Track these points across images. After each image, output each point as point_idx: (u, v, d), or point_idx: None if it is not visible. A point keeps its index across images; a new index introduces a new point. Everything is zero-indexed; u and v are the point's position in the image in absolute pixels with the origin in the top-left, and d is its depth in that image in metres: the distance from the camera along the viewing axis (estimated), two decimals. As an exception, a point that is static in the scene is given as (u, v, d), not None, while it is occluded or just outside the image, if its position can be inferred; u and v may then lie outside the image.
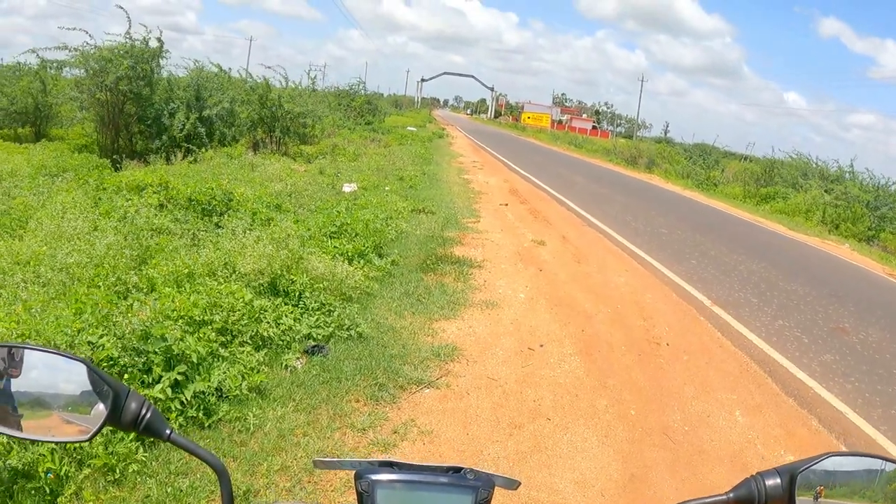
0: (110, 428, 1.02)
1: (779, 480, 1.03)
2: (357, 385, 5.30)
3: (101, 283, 5.68)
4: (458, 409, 5.22)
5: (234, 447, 4.17)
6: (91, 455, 3.69)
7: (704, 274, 10.93)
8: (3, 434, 1.00)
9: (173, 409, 4.28)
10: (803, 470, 1.03)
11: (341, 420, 4.76)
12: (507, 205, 16.15)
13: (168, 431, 1.03)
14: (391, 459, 1.17)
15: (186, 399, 4.33)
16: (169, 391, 4.27)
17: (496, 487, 1.13)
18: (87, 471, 3.64)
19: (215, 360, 4.85)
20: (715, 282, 10.46)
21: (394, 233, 10.30)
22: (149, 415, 1.01)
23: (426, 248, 9.88)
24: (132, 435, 3.92)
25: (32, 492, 3.42)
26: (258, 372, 5.03)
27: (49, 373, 1.00)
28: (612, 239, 13.27)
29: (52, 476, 3.48)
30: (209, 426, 4.36)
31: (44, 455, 3.47)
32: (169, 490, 3.65)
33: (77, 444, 3.68)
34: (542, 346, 6.73)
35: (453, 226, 12.21)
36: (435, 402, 5.28)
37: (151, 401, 4.06)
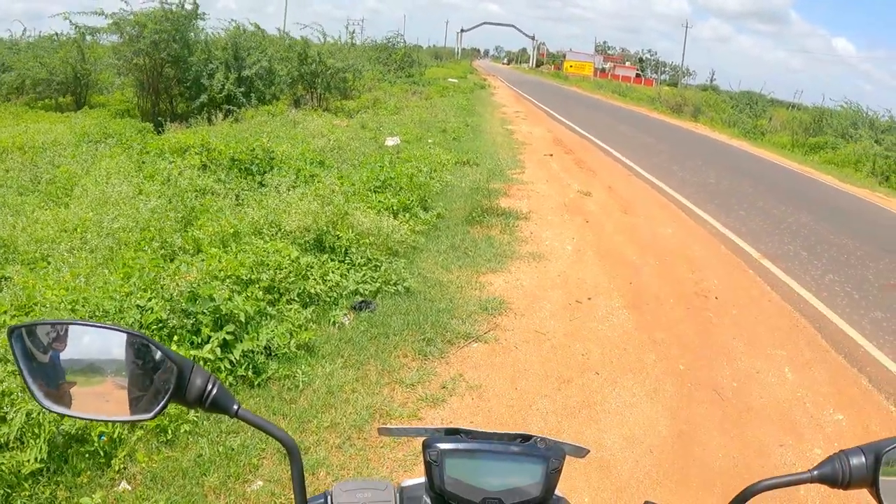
0: (175, 403, 1.00)
1: (864, 459, 0.99)
2: (405, 340, 5.33)
3: (147, 247, 5.71)
4: (507, 363, 5.24)
5: (283, 405, 4.23)
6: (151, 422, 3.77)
7: (753, 226, 10.76)
8: (67, 416, 1.00)
9: (223, 368, 4.34)
10: (889, 450, 0.99)
11: (390, 376, 4.80)
12: (551, 155, 16.00)
13: (235, 407, 1.01)
14: (457, 427, 1.16)
15: (235, 359, 4.39)
16: (218, 351, 4.32)
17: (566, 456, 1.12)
18: (139, 433, 3.72)
19: (263, 318, 4.90)
20: (764, 234, 10.30)
21: (439, 186, 10.27)
22: (215, 390, 1.00)
23: (471, 201, 9.83)
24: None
25: (87, 455, 3.50)
26: (306, 329, 5.08)
27: (110, 348, 0.98)
28: (658, 189, 13.12)
29: (105, 439, 3.55)
30: (258, 385, 4.42)
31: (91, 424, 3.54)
32: (220, 449, 3.72)
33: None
34: (589, 299, 6.71)
35: (498, 177, 12.13)
36: (483, 357, 5.30)
37: (200, 362, 4.14)
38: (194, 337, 4.40)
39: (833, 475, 0.99)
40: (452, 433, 1.13)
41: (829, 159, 24.00)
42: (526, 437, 1.13)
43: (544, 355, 5.43)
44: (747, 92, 41.33)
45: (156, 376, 0.97)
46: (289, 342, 4.79)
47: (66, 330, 0.98)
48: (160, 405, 0.96)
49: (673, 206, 11.78)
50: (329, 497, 0.99)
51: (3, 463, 3.16)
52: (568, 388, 4.95)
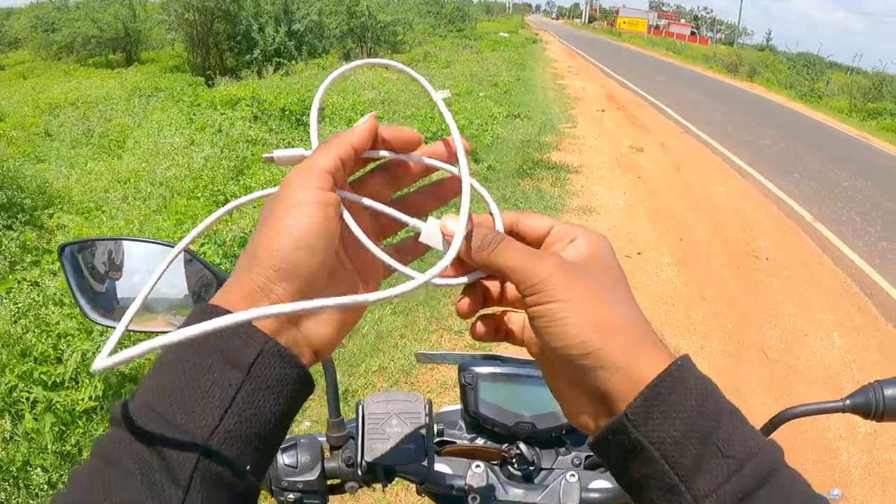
0: None
1: None
2: (454, 289, 5.37)
3: (199, 195, 5.80)
4: (556, 312, 5.27)
5: (333, 349, 4.33)
6: None
7: (807, 188, 10.59)
8: (107, 325, 0.98)
9: None
10: None
11: (438, 323, 4.87)
12: (603, 111, 15.86)
13: None
14: (495, 354, 1.18)
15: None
16: None
17: None
18: None
19: None
20: (818, 197, 10.14)
21: (490, 138, 10.26)
22: None
23: (523, 154, 9.80)
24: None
25: None
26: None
27: (155, 263, 0.90)
28: (711, 148, 12.93)
29: None
30: None
31: (149, 359, 3.62)
32: None
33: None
34: (639, 253, 6.71)
35: (549, 131, 12.06)
36: (532, 306, 5.33)
37: None
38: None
39: (866, 405, 0.95)
40: (490, 359, 1.15)
41: (887, 126, 23.37)
42: None
43: (593, 307, 5.45)
44: (804, 53, 40.38)
45: (198, 289, 0.98)
46: (339, 287, 4.84)
47: (114, 246, 1.01)
48: None
49: (726, 165, 11.62)
50: (361, 406, 1.00)
51: (58, 401, 3.25)
52: (615, 339, 4.98)
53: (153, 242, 1.01)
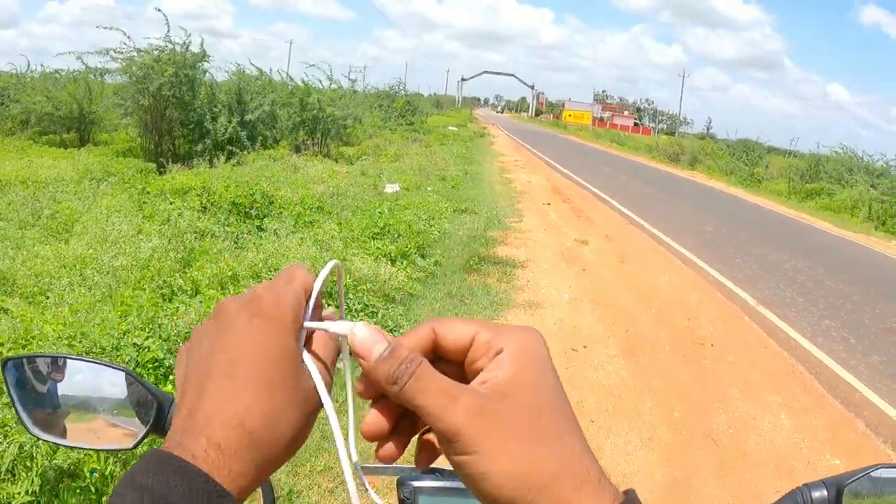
0: (154, 437, 0.98)
1: (825, 493, 0.95)
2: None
3: (146, 286, 5.76)
4: (503, 410, 5.25)
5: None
6: (135, 455, 3.77)
7: (749, 272, 10.81)
8: (48, 441, 0.98)
9: None
10: (851, 482, 0.95)
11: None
12: (549, 204, 16.12)
13: None
14: (435, 466, 1.16)
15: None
16: None
17: None
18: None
19: None
20: (760, 280, 10.35)
21: (437, 233, 10.31)
22: None
23: (469, 249, 9.87)
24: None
25: (78, 491, 3.49)
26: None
27: (93, 379, 0.99)
28: (655, 238, 13.18)
29: (97, 475, 3.54)
30: None
31: (89, 455, 3.54)
32: None
33: (121, 447, 3.79)
34: (585, 347, 6.73)
35: (496, 225, 12.20)
36: (479, 405, 5.30)
37: None
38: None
39: None
40: (430, 472, 1.11)
41: (825, 205, 24.13)
42: None
43: (540, 403, 5.43)
44: (744, 140, 41.60)
45: (138, 410, 0.97)
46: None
47: (58, 363, 1.00)
48: (140, 437, 0.96)
49: (669, 254, 11.83)
50: None
51: None
52: (563, 435, 4.95)
53: (102, 364, 1.00)
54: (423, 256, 8.82)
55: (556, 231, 12.64)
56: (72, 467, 3.50)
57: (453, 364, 0.56)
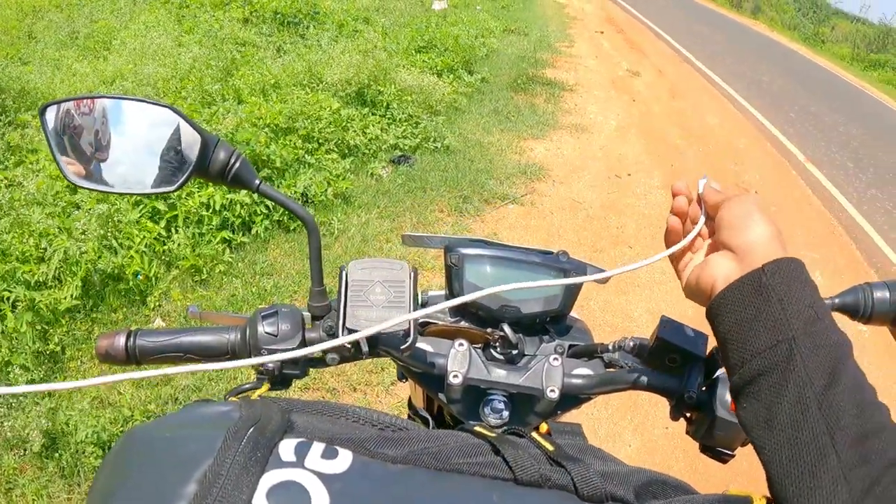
0: (199, 179, 0.96)
1: (888, 294, 0.94)
2: (442, 196, 5.32)
3: (187, 95, 5.71)
4: (541, 227, 5.20)
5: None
6: (179, 257, 3.81)
7: (801, 128, 10.46)
8: (94, 190, 0.95)
9: (258, 212, 4.37)
10: None
11: (424, 228, 4.84)
12: (602, 32, 15.53)
13: (257, 182, 0.96)
14: (483, 238, 1.14)
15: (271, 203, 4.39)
16: (255, 195, 4.31)
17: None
18: (175, 272, 3.78)
19: (301, 166, 4.92)
20: (812, 139, 10.02)
21: (484, 51, 10.04)
22: (237, 164, 0.94)
23: (517, 68, 9.60)
24: (219, 237, 4.03)
25: (122, 293, 3.55)
26: (343, 179, 5.09)
27: (137, 122, 0.94)
28: (709, 79, 12.71)
29: (141, 277, 3.60)
30: (293, 230, 4.46)
31: (133, 257, 3.59)
32: (254, 290, 3.79)
33: (163, 244, 3.84)
34: (629, 175, 6.60)
35: (546, 48, 11.79)
36: (518, 218, 5.27)
37: (236, 206, 4.13)
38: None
39: (855, 305, 0.94)
40: (477, 242, 1.13)
41: (888, 78, 23.13)
42: (549, 253, 1.11)
43: (579, 224, 5.38)
44: (812, -4, 39.72)
45: (182, 149, 0.93)
46: (326, 190, 4.84)
47: (95, 105, 0.93)
48: (184, 177, 0.92)
49: (722, 97, 11.44)
50: (345, 272, 0.95)
51: (41, 300, 3.20)
52: (600, 257, 4.92)
53: (133, 99, 0.94)
54: (469, 72, 8.62)
55: (608, 60, 12.21)
56: (116, 271, 3.53)
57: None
